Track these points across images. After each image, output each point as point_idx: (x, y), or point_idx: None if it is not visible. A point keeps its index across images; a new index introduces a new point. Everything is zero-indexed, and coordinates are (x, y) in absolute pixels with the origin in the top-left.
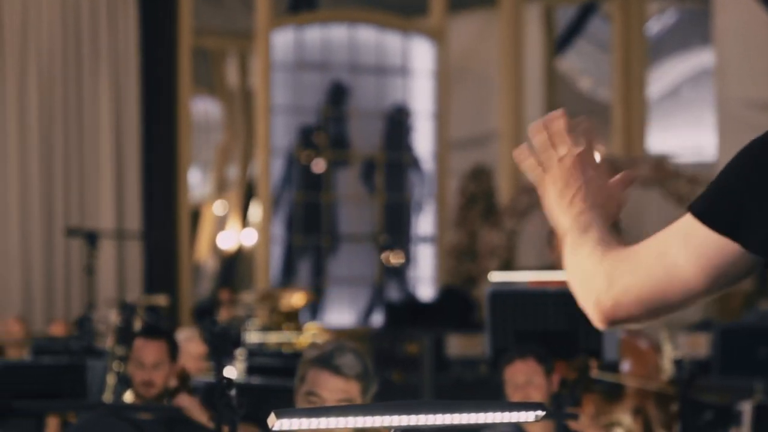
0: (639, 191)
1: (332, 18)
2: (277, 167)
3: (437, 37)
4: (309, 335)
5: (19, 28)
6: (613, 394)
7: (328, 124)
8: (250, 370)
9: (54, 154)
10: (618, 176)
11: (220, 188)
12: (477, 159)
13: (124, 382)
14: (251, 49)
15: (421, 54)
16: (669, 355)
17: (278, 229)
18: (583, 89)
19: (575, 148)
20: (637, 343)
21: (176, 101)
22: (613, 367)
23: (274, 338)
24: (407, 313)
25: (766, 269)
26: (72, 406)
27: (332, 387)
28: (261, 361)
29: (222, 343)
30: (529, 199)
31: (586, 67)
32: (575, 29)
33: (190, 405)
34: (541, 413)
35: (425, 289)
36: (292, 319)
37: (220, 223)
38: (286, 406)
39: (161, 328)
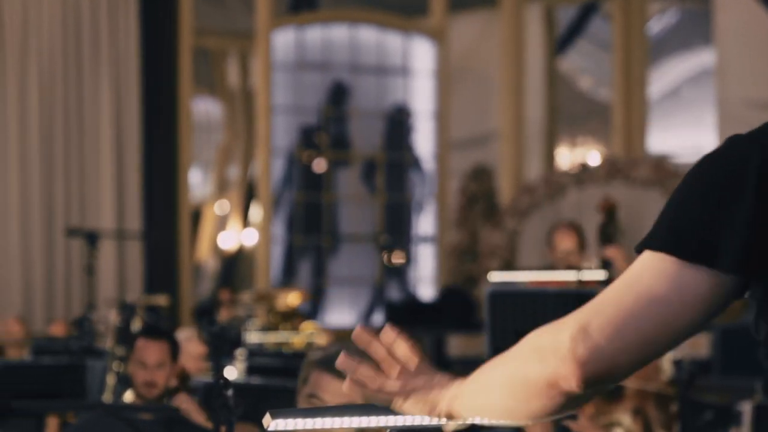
0: (639, 191)
1: (333, 18)
2: (278, 167)
3: (438, 37)
4: (306, 335)
5: (20, 28)
6: (613, 394)
7: (329, 124)
8: (250, 370)
9: (54, 154)
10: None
11: (221, 188)
12: (478, 159)
13: (124, 382)
14: (252, 49)
15: (422, 54)
16: (668, 355)
17: (279, 229)
18: (584, 89)
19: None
20: None
21: (177, 101)
22: None
23: (274, 338)
24: (408, 313)
25: (744, 294)
26: (70, 406)
27: (335, 390)
28: (261, 361)
29: (220, 343)
30: (530, 199)
31: (587, 66)
32: (576, 29)
33: (188, 405)
34: None
35: (426, 290)
36: (289, 318)
37: (221, 223)
38: (287, 407)
39: (163, 328)
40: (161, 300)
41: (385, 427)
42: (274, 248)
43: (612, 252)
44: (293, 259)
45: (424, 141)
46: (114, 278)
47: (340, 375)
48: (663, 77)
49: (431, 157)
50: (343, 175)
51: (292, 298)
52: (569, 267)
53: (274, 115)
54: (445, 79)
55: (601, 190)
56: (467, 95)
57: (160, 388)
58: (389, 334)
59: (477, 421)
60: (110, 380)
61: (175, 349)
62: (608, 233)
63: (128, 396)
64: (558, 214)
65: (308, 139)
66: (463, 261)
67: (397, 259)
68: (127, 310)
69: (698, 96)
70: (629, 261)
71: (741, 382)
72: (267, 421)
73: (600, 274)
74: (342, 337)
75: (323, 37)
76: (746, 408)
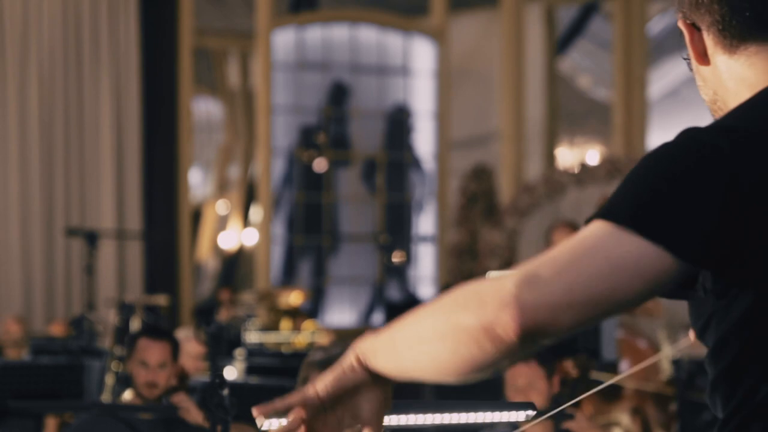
0: None
1: (333, 18)
2: (278, 167)
3: (438, 37)
4: (307, 334)
5: (20, 29)
6: (612, 394)
7: (329, 124)
8: (250, 369)
9: (54, 154)
10: None
11: (222, 188)
12: (478, 158)
13: (123, 382)
14: (252, 49)
15: (422, 54)
16: (668, 354)
17: (279, 229)
18: (584, 89)
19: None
20: (636, 343)
21: (177, 101)
22: (612, 368)
23: (274, 338)
24: (408, 312)
25: (691, 285)
26: (68, 406)
27: None
28: (260, 361)
29: (218, 343)
30: (530, 198)
31: (587, 66)
32: (576, 29)
33: (187, 405)
34: (531, 413)
35: (426, 289)
36: (293, 317)
37: (222, 223)
38: None
39: (164, 328)
40: (161, 300)
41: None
42: (275, 248)
43: None
44: (293, 258)
45: (424, 141)
46: (114, 278)
47: None
48: (663, 77)
49: (431, 156)
50: (343, 175)
51: (294, 298)
52: None
53: (274, 115)
54: (446, 78)
55: (601, 189)
56: (467, 95)
57: (161, 388)
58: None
59: (397, 374)
60: (109, 380)
61: (176, 350)
62: None
63: (127, 395)
64: (558, 214)
65: (308, 139)
66: (463, 260)
67: (398, 258)
68: (126, 310)
69: (698, 96)
70: None
71: None
72: (260, 420)
73: None
74: (342, 337)
75: (323, 37)
76: None
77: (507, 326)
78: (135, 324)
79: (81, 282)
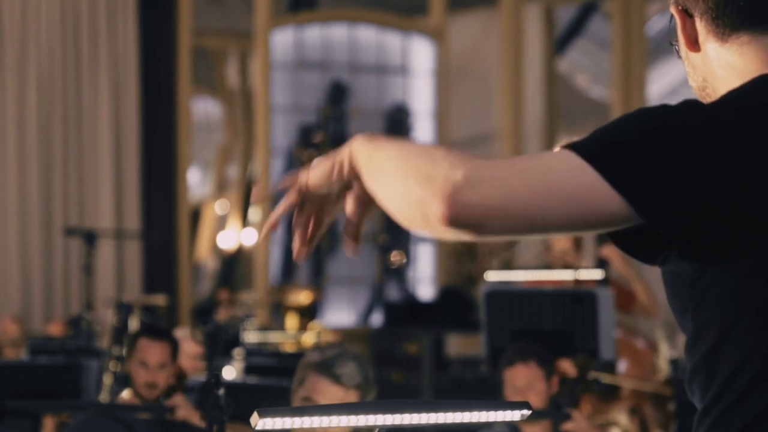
0: None
1: (332, 17)
2: (277, 167)
3: (437, 36)
4: (313, 334)
5: (19, 29)
6: (610, 393)
7: (328, 124)
8: (248, 369)
9: (53, 154)
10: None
11: (221, 188)
12: None
13: (121, 381)
14: (251, 49)
15: (421, 53)
16: (665, 354)
17: (278, 229)
18: (583, 88)
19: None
20: (634, 343)
21: (176, 101)
22: (610, 367)
23: (275, 337)
24: (407, 312)
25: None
26: (66, 406)
27: (330, 395)
28: (259, 360)
29: (215, 343)
30: None
31: (587, 66)
32: (575, 29)
33: (185, 406)
34: (527, 412)
35: (425, 289)
36: (299, 317)
37: (221, 223)
38: (284, 406)
39: (163, 328)
40: (159, 300)
41: (374, 426)
42: (273, 248)
43: (608, 251)
44: (292, 258)
45: (423, 140)
46: (113, 278)
47: (337, 380)
48: (662, 77)
49: None
50: None
51: (304, 297)
52: (565, 266)
53: (273, 115)
54: (445, 78)
55: None
56: (466, 95)
57: (160, 389)
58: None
59: (371, 187)
60: (107, 380)
61: (175, 350)
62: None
63: (125, 395)
64: None
65: (307, 138)
66: (462, 261)
67: (397, 259)
68: (124, 310)
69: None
70: (626, 260)
71: None
72: (255, 420)
73: (596, 274)
74: (341, 337)
75: (322, 36)
76: None
77: (437, 213)
78: (133, 324)
79: (79, 282)
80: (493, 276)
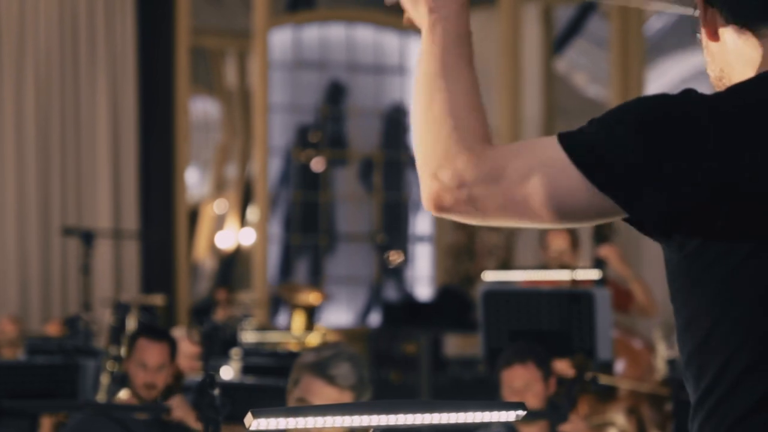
0: None
1: (330, 17)
2: (275, 166)
3: None
4: (319, 335)
5: (17, 28)
6: (607, 394)
7: (326, 123)
8: (246, 369)
9: (51, 153)
10: None
11: (219, 187)
12: None
13: (119, 381)
14: (250, 49)
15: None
16: (663, 354)
17: (276, 229)
18: (581, 88)
19: None
20: (631, 343)
21: (174, 101)
22: (607, 367)
23: (271, 337)
24: (405, 312)
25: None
26: (63, 406)
27: (325, 396)
28: (257, 360)
29: (211, 343)
30: None
31: (585, 65)
32: (574, 28)
33: (181, 405)
34: (522, 413)
35: (423, 289)
36: (308, 317)
37: (219, 223)
38: (281, 406)
39: (163, 328)
40: (157, 300)
41: (369, 427)
42: (272, 247)
43: (605, 251)
44: (290, 258)
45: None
46: (110, 278)
47: (332, 381)
48: (660, 77)
49: None
50: (340, 174)
51: (314, 298)
52: (562, 266)
53: (271, 114)
54: None
55: None
56: None
57: (159, 389)
58: None
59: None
60: (104, 380)
61: (174, 350)
62: (602, 232)
63: (123, 395)
64: None
65: (305, 138)
66: (461, 261)
67: (396, 258)
68: (121, 310)
69: None
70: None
71: None
72: (249, 420)
73: (593, 274)
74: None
75: (320, 36)
76: None
77: (428, 199)
78: (131, 324)
79: (77, 281)
80: (490, 276)
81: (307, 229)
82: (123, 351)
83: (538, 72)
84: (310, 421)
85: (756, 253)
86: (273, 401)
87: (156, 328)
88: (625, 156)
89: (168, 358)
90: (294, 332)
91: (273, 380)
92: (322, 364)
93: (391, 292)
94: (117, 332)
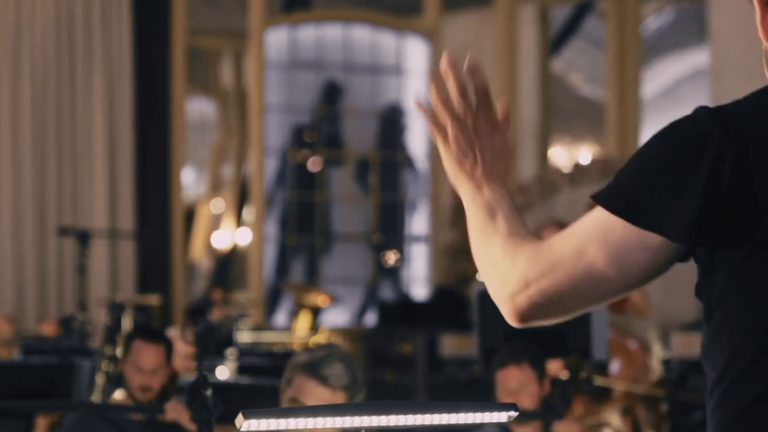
0: None
1: (326, 17)
2: (271, 166)
3: (431, 36)
4: (322, 336)
5: (13, 28)
6: (602, 394)
7: (322, 124)
8: (241, 369)
9: (47, 153)
10: (500, 113)
11: (215, 187)
12: None
13: (114, 381)
14: (246, 49)
15: (416, 53)
16: (658, 355)
17: (272, 229)
18: (578, 88)
19: (469, 111)
20: (627, 343)
21: (170, 100)
22: (602, 368)
23: (266, 337)
24: (401, 312)
25: (689, 257)
26: (58, 406)
27: (318, 397)
28: (252, 360)
29: (205, 343)
30: (523, 198)
31: (581, 66)
32: (570, 28)
33: (175, 407)
34: (514, 414)
35: (419, 289)
36: (313, 318)
37: (215, 223)
38: (275, 407)
39: (159, 330)
40: (153, 299)
41: (360, 427)
42: (268, 247)
43: None
44: (286, 258)
45: (417, 140)
46: (106, 278)
47: (325, 381)
48: (657, 77)
49: (425, 156)
50: (336, 175)
51: (321, 300)
52: None
53: (267, 115)
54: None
55: (594, 189)
56: None
57: (154, 392)
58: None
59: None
60: (100, 380)
61: (170, 352)
62: None
63: (118, 395)
64: (551, 213)
65: (301, 138)
66: (457, 261)
67: (392, 258)
68: (116, 310)
69: (693, 95)
70: None
71: None
72: (239, 421)
73: None
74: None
75: (317, 36)
76: None
77: (508, 316)
78: (126, 324)
79: (73, 281)
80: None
81: (303, 229)
82: (118, 351)
83: (535, 72)
84: (302, 422)
85: (757, 250)
86: (268, 401)
87: (152, 329)
88: (649, 188)
89: (164, 360)
90: (299, 333)
91: (268, 380)
92: (314, 364)
93: (387, 292)
94: (112, 332)
